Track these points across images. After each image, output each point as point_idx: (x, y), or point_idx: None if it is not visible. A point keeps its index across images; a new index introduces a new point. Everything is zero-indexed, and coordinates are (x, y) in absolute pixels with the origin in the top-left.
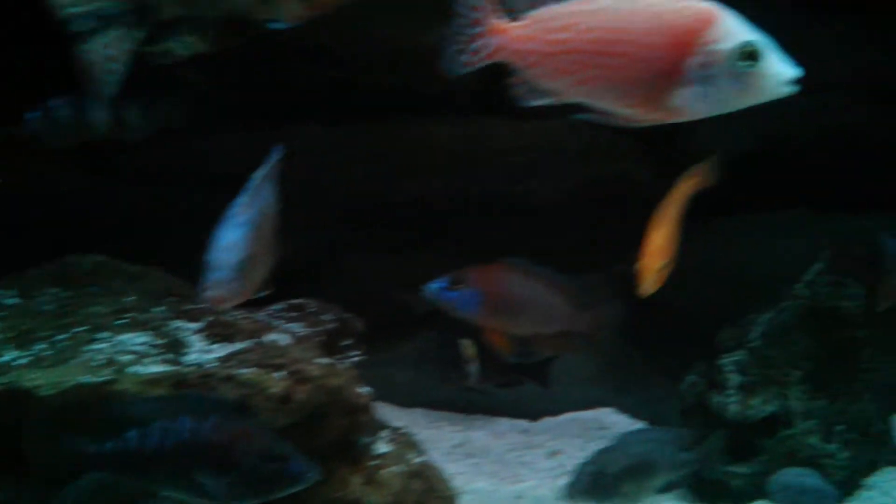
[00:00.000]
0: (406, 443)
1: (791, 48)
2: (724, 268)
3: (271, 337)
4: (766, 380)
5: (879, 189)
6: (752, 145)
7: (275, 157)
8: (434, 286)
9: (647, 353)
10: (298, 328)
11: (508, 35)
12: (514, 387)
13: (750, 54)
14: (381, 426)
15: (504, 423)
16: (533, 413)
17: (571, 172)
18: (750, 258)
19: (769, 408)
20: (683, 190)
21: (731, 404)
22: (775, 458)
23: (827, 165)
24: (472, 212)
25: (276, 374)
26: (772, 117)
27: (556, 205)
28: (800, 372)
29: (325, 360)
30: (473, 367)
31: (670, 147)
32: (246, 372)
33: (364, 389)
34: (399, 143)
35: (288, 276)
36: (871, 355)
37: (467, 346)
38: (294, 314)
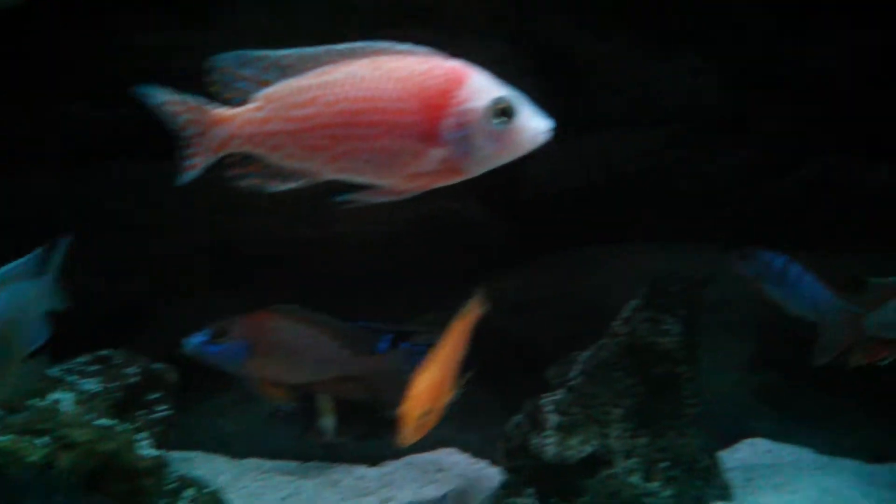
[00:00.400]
0: (210, 501)
1: (628, 83)
2: (569, 301)
3: (54, 397)
4: (587, 419)
5: (713, 220)
6: (587, 179)
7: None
8: (195, 340)
9: (490, 389)
10: (92, 384)
11: (237, 122)
12: (374, 438)
13: (503, 111)
14: (186, 485)
15: (340, 471)
16: (374, 457)
17: (399, 210)
18: (594, 291)
19: (588, 448)
20: (459, 330)
21: (548, 446)
22: (597, 499)
23: (662, 197)
24: (287, 255)
25: (37, 441)
26: (606, 151)
27: (383, 243)
28: (621, 409)
29: (104, 422)
30: (330, 421)
31: (501, 183)
32: (3, 440)
33: (149, 452)
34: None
35: (104, 323)
36: (695, 390)
37: (324, 400)
38: (95, 367)
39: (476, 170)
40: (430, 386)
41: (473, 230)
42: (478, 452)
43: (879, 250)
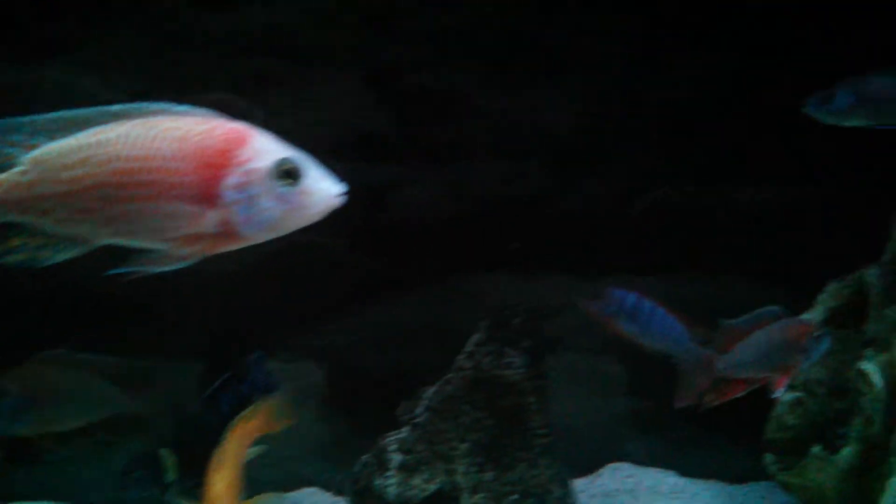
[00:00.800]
0: None
1: (486, 115)
2: (433, 333)
3: None
4: (433, 456)
5: (569, 251)
6: (449, 210)
7: None
8: None
9: (354, 426)
10: None
11: (1, 188)
12: None
13: (288, 172)
14: None
15: None
16: None
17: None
18: (459, 322)
19: (433, 486)
20: (241, 433)
21: (390, 486)
22: None
23: (524, 228)
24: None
25: None
26: (473, 182)
27: (240, 278)
28: (468, 444)
29: None
30: (173, 478)
31: (369, 214)
32: None
33: None
34: None
35: None
36: (544, 421)
37: (166, 456)
38: None
39: (262, 234)
40: (227, 485)
41: (335, 262)
42: (340, 492)
43: (739, 274)
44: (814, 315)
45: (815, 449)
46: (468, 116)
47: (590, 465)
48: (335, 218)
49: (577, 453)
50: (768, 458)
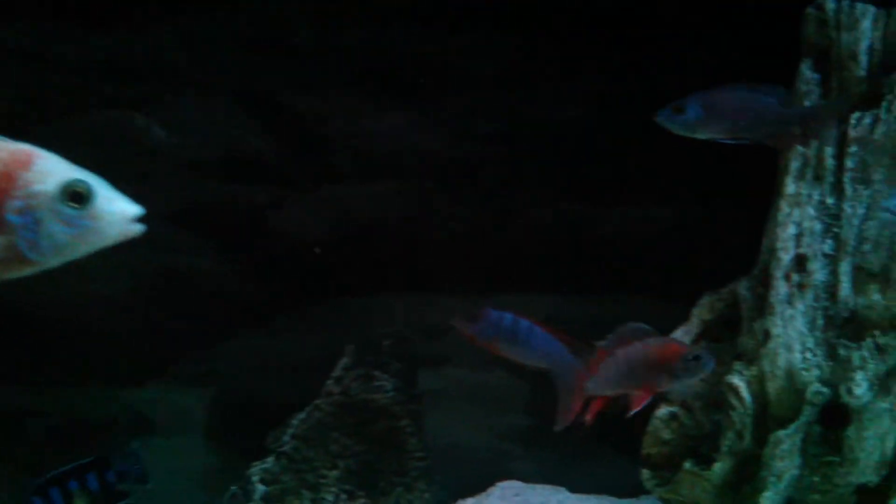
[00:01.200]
0: None
1: (357, 138)
2: (316, 356)
3: None
4: (299, 484)
5: (451, 270)
6: (326, 232)
7: None
8: None
9: (234, 455)
10: None
11: None
12: None
13: (76, 195)
14: None
15: None
16: None
17: (128, 266)
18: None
19: None
20: None
21: None
22: None
23: (399, 249)
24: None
25: None
26: (353, 204)
27: (110, 301)
28: (337, 472)
29: None
30: None
31: (241, 237)
32: None
33: None
34: None
35: None
36: (420, 444)
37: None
38: None
39: (51, 259)
40: None
41: (213, 286)
42: None
43: (614, 293)
44: (689, 328)
45: (687, 464)
46: (347, 138)
47: (480, 484)
48: (214, 241)
49: (466, 472)
50: (645, 473)
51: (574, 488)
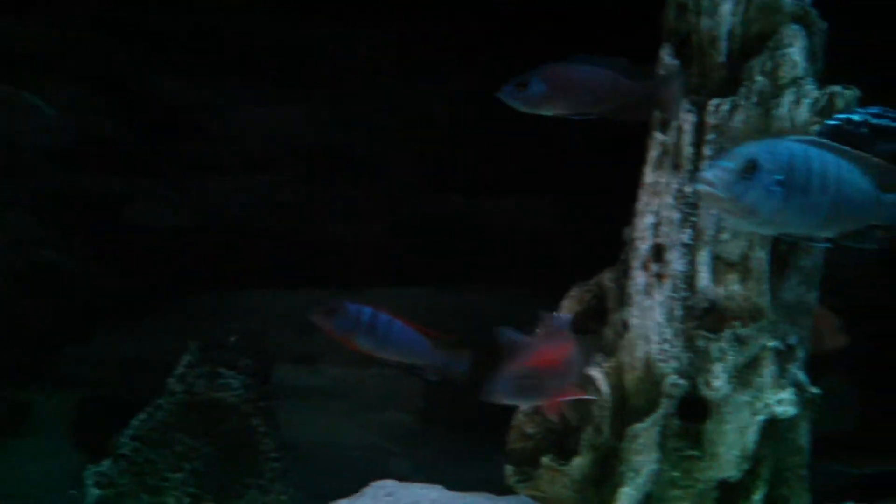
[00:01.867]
0: None
1: (226, 128)
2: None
3: None
4: (138, 488)
5: (324, 262)
6: (193, 225)
7: None
8: None
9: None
10: None
11: None
12: None
13: None
14: None
15: None
16: None
17: None
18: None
19: None
20: None
21: None
22: None
23: (271, 242)
24: None
25: None
26: (209, 196)
27: None
28: (182, 474)
29: None
30: None
31: (104, 229)
32: None
33: None
34: None
35: None
36: (275, 444)
37: None
38: None
39: None
40: None
41: (74, 281)
42: None
43: (487, 284)
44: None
45: (546, 459)
46: (215, 127)
47: (354, 485)
48: (74, 234)
49: (340, 472)
50: (508, 469)
51: (452, 486)
